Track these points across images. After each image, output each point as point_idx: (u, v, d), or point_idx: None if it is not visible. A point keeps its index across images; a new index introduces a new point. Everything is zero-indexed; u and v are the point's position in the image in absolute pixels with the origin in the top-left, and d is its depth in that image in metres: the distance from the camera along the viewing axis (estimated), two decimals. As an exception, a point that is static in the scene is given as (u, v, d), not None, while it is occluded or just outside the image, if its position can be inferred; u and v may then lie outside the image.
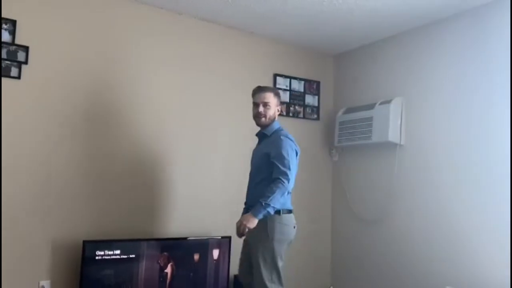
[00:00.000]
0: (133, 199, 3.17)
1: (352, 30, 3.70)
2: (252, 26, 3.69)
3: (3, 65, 2.76)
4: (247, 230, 2.47)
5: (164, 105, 3.35)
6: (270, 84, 3.90)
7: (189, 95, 3.48)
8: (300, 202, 3.99)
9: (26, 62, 2.83)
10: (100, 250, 2.84)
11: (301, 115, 4.08)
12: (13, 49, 2.80)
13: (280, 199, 2.49)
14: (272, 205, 2.44)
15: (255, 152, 2.82)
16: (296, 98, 4.05)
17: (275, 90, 2.79)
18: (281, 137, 2.63)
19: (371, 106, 3.69)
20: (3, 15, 2.77)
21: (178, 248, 3.16)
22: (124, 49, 3.21)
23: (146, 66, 3.29)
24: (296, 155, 2.66)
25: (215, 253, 3.28)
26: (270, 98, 2.72)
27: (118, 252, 2.91)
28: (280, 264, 2.57)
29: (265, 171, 2.60)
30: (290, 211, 2.67)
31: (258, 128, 2.85)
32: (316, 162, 4.14)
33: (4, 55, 2.77)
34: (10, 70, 2.79)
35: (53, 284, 2.84)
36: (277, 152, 2.55)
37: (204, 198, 3.49)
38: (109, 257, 2.87)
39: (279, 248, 2.57)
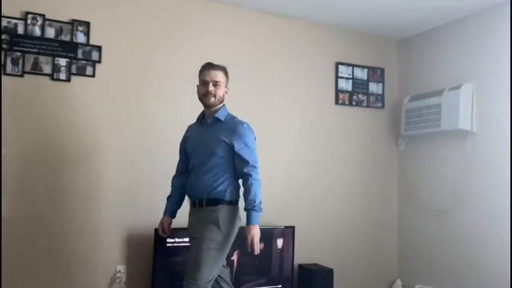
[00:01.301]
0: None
1: (417, 13, 3.55)
2: (311, 14, 3.65)
3: (79, 64, 2.97)
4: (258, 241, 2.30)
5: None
6: (332, 73, 3.85)
7: (250, 88, 3.53)
8: (365, 193, 3.93)
9: (99, 61, 3.02)
10: (170, 238, 2.99)
11: (364, 103, 3.99)
12: (87, 49, 3.00)
13: (260, 194, 2.34)
14: (259, 203, 2.31)
15: (205, 137, 2.44)
16: (359, 86, 3.97)
17: (226, 69, 2.48)
18: (244, 124, 2.42)
19: (439, 93, 3.54)
20: (78, 18, 2.98)
21: (243, 237, 3.23)
22: (189, 43, 3.32)
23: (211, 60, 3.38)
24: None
25: (279, 242, 3.33)
26: (221, 77, 2.43)
27: (187, 239, 3.03)
28: (222, 261, 2.37)
29: (221, 160, 2.37)
30: (237, 202, 2.44)
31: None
32: (381, 152, 4.04)
33: (80, 55, 2.98)
34: (85, 69, 2.99)
35: (128, 269, 3.03)
36: (243, 142, 2.35)
37: (270, 188, 3.51)
38: (178, 245, 3.01)
39: (230, 242, 2.37)
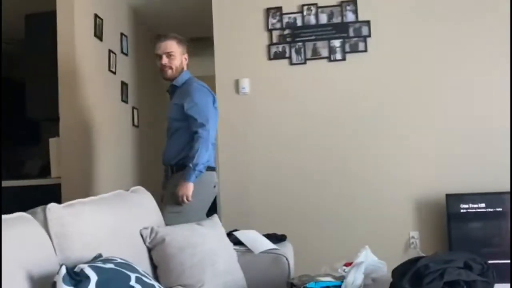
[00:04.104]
0: (491, 150, 3.04)
1: None
2: None
3: (351, 42, 3.12)
4: (189, 198, 2.27)
5: None
6: None
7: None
8: None
9: (369, 35, 3.11)
10: (464, 204, 2.87)
11: None
12: (357, 26, 3.13)
13: (206, 154, 2.30)
14: (200, 163, 2.27)
15: (168, 108, 2.52)
16: None
17: (178, 37, 2.48)
18: (194, 84, 2.42)
19: None
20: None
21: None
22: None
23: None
24: (214, 103, 2.44)
25: None
26: (173, 46, 2.43)
27: (482, 205, 2.87)
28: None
29: (178, 124, 2.41)
30: (211, 168, 2.41)
31: None
32: None
33: (351, 34, 3.13)
34: (357, 46, 3.12)
35: (421, 235, 3.06)
36: (191, 102, 2.35)
37: None
38: (473, 211, 2.87)
39: (194, 211, 2.26)
